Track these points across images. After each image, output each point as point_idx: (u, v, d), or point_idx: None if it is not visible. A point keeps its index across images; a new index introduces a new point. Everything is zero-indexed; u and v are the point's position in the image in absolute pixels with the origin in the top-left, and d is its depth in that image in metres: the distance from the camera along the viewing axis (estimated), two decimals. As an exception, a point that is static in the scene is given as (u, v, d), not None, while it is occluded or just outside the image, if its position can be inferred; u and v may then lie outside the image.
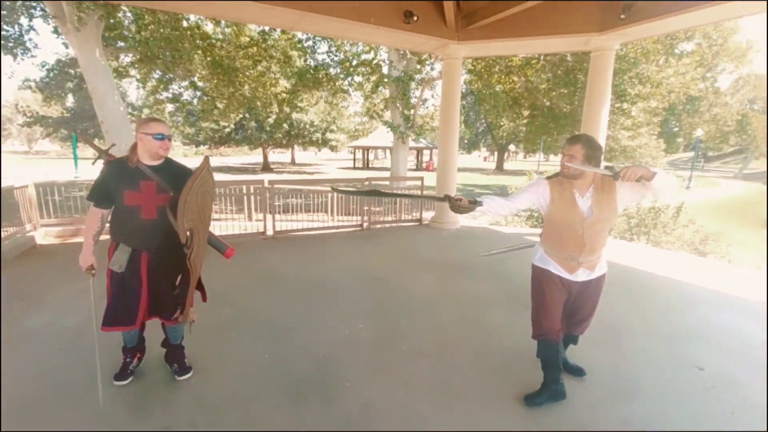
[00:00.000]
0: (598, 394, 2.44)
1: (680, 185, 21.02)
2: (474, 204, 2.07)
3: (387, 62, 13.36)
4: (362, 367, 2.67)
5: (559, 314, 2.29)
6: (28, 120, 13.10)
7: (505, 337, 3.16)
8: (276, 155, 44.37)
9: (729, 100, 32.53)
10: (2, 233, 5.11)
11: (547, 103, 14.98)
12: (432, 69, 14.17)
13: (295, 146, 32.01)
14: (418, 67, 13.31)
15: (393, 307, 3.69)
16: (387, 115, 14.42)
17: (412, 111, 13.39)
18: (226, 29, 12.55)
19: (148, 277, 2.24)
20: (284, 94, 16.08)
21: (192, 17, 11.37)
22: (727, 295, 4.24)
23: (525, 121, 16.98)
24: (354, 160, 35.79)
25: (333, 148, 29.64)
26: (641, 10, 5.17)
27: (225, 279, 4.26)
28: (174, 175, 2.24)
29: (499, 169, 37.76)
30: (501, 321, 3.46)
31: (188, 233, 2.08)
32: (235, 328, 3.19)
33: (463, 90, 17.43)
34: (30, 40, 11.18)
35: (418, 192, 7.78)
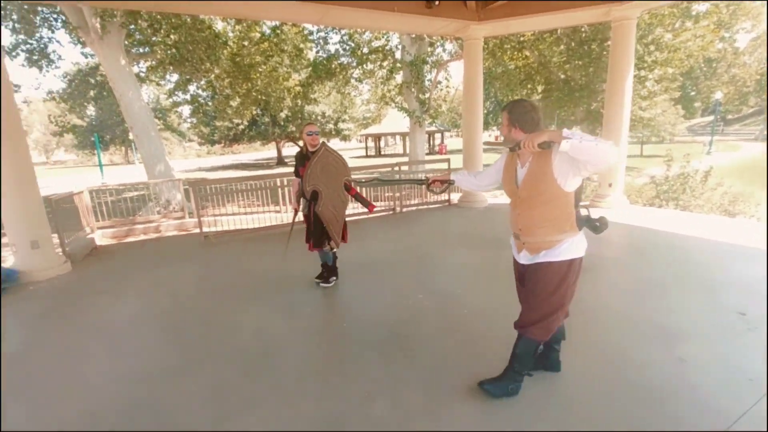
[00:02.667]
0: (651, 334, 2.69)
1: (703, 152, 20.64)
2: (446, 183, 2.37)
3: (399, 47, 13.42)
4: (432, 328, 2.97)
5: (519, 293, 2.21)
6: (61, 130, 13.65)
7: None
8: (286, 149, 44.75)
9: (747, 60, 31.50)
10: (64, 238, 5.53)
11: (562, 76, 14.87)
12: (444, 50, 14.19)
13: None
14: (430, 50, 13.36)
15: (444, 279, 3.97)
16: (400, 101, 14.51)
17: (427, 95, 13.49)
18: (237, 27, 12.70)
19: (314, 219, 3.54)
20: (298, 87, 16.28)
21: (203, 17, 11.63)
22: (758, 249, 4.41)
23: (539, 97, 16.87)
24: (366, 148, 35.89)
25: (345, 138, 29.80)
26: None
27: (283, 265, 4.61)
28: None
29: (512, 147, 37.39)
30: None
31: (313, 192, 3.41)
32: (309, 305, 3.52)
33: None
34: (54, 52, 11.54)
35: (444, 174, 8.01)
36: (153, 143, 10.70)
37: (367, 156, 32.91)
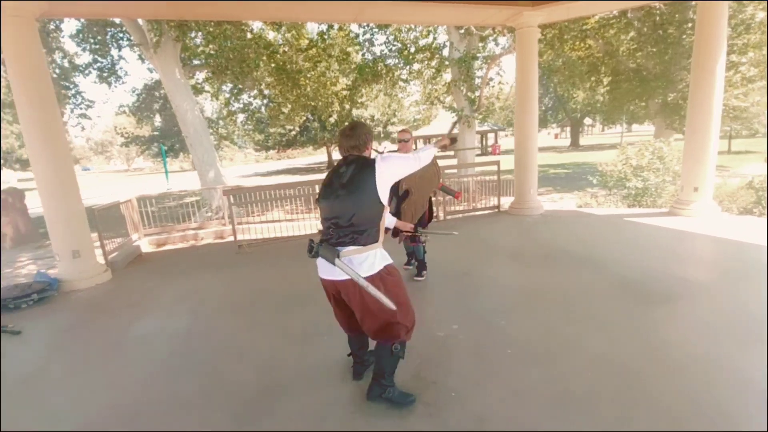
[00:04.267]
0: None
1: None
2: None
3: (447, 44, 12.81)
4: (465, 374, 2.42)
5: None
6: (125, 141, 14.71)
7: (626, 336, 2.72)
8: (336, 153, 45.36)
9: None
10: (109, 244, 5.68)
11: (632, 65, 13.31)
12: (497, 45, 13.34)
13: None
14: (480, 44, 12.60)
15: (487, 305, 3.38)
16: (449, 100, 13.87)
17: (477, 92, 12.73)
18: (286, 35, 12.89)
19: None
20: (344, 91, 16.22)
21: (255, 27, 11.90)
22: None
23: (606, 89, 15.30)
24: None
25: (395, 141, 29.55)
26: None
27: (310, 278, 4.28)
28: None
29: (575, 145, 34.91)
30: (616, 317, 3.00)
31: (406, 191, 3.62)
32: (326, 331, 3.12)
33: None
34: (121, 68, 12.39)
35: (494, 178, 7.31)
36: (206, 151, 11.09)
37: (417, 158, 32.23)
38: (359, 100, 17.92)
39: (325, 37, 12.59)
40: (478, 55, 12.42)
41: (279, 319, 3.41)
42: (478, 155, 26.32)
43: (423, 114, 26.45)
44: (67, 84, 13.04)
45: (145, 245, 6.54)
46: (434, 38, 13.22)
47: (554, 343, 2.70)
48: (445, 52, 13.03)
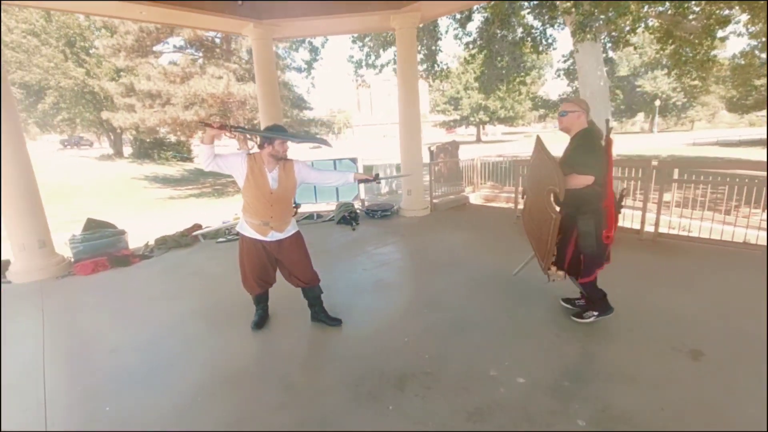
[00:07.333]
0: None
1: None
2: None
3: None
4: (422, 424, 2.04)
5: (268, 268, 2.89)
6: (532, 106, 15.66)
7: None
8: None
9: None
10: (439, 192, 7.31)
11: None
12: None
13: None
14: None
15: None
16: None
17: None
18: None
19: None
20: None
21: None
22: None
23: None
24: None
25: None
26: None
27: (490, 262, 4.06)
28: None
29: None
30: None
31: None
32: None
33: None
34: (550, 35, 13.38)
35: None
36: (600, 114, 10.56)
37: None
38: None
39: None
40: None
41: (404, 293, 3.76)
42: None
43: None
44: (515, 56, 15.55)
45: (474, 198, 7.84)
46: None
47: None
48: None
